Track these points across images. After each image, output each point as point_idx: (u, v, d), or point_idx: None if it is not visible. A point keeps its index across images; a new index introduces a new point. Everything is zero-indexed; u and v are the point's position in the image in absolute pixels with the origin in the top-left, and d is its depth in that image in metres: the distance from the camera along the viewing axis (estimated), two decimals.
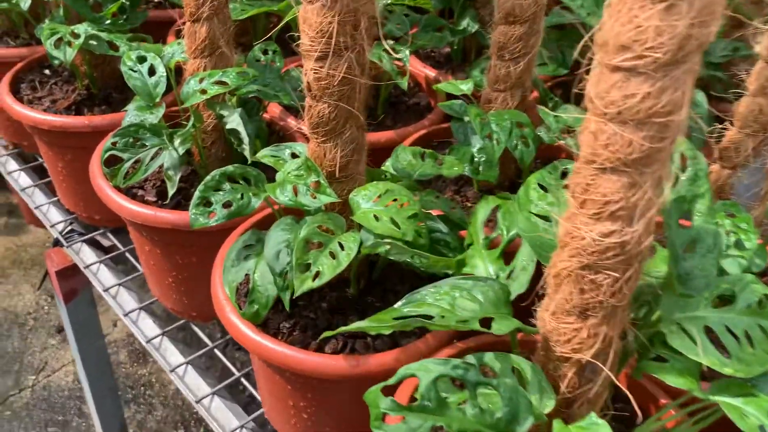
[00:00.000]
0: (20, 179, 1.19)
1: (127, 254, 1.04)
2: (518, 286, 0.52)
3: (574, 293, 0.42)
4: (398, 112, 1.04)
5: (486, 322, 0.46)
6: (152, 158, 0.76)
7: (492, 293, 0.48)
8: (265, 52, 0.86)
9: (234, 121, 0.75)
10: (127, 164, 0.77)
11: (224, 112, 0.76)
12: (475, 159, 0.78)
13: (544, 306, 0.46)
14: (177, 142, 0.74)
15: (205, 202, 0.63)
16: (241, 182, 0.65)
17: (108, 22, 0.91)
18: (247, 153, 0.75)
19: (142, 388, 1.83)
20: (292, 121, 0.92)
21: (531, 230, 0.52)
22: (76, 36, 0.87)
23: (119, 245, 1.05)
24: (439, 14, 1.18)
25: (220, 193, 0.64)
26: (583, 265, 0.41)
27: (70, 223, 1.08)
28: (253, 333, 0.62)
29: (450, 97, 0.92)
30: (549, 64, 0.94)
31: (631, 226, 0.38)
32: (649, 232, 0.39)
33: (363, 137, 0.62)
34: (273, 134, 0.93)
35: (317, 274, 0.55)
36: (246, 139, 0.74)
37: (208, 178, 0.64)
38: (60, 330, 1.96)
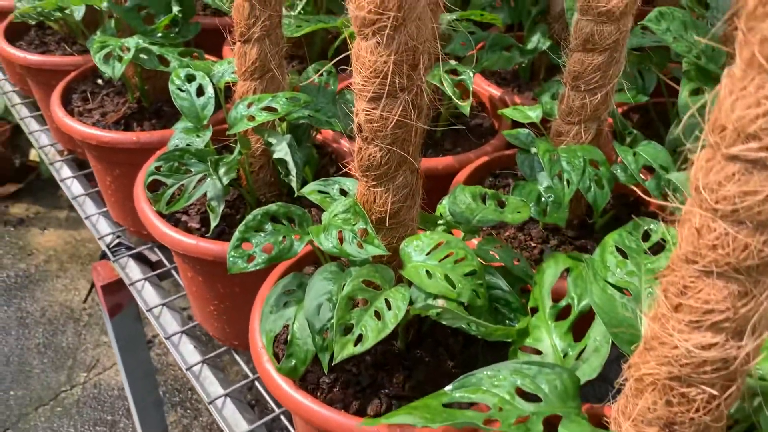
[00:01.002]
0: (73, 187, 1.18)
1: (173, 272, 1.01)
2: (589, 371, 0.45)
3: (660, 404, 0.36)
4: (458, 134, 0.97)
5: (551, 420, 0.40)
6: (196, 185, 0.72)
7: (559, 383, 0.42)
8: (319, 73, 0.81)
9: (282, 150, 0.70)
10: (171, 190, 0.73)
11: (272, 140, 0.72)
12: (543, 199, 0.71)
13: (621, 407, 0.39)
14: (222, 171, 0.70)
15: (245, 244, 0.59)
16: (284, 222, 0.60)
17: (160, 35, 0.87)
18: (294, 185, 0.70)
19: (189, 392, 1.82)
20: (345, 144, 0.87)
21: (607, 304, 0.46)
22: (126, 50, 0.84)
23: (165, 261, 1.03)
24: (507, 29, 1.11)
25: (261, 235, 0.59)
26: (672, 376, 0.34)
27: (118, 237, 1.06)
28: (291, 389, 0.57)
29: (516, 124, 0.85)
30: (627, 91, 0.86)
31: (739, 341, 0.31)
32: (761, 347, 0.32)
33: (417, 181, 0.56)
34: (325, 156, 0.88)
35: (360, 338, 0.50)
36: (293, 171, 0.70)
37: (250, 218, 0.59)
38: (84, 301, 1.97)
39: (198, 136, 0.75)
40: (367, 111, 0.50)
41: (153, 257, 1.06)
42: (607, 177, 0.70)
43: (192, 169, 0.73)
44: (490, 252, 0.60)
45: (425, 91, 0.50)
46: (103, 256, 1.08)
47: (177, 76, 0.79)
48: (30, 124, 1.34)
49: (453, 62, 0.89)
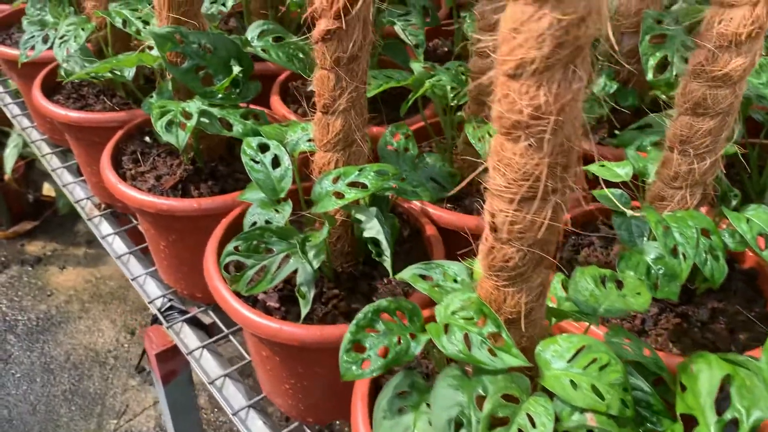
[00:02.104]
0: (115, 244, 1.13)
1: (231, 338, 0.96)
2: None
3: None
4: None
5: None
6: (280, 266, 0.68)
7: None
8: (395, 136, 0.76)
9: (373, 228, 0.66)
10: (252, 271, 0.68)
11: (361, 216, 0.67)
12: (652, 271, 0.67)
13: None
14: (311, 253, 0.65)
15: (357, 347, 0.54)
16: (395, 319, 0.56)
17: (220, 95, 0.83)
18: (388, 266, 0.66)
19: None
20: (416, 204, 0.83)
21: None
22: (188, 116, 0.79)
23: (221, 325, 0.98)
24: None
25: (373, 335, 0.54)
26: None
27: (170, 300, 1.01)
28: None
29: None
30: None
31: None
32: None
33: (550, 276, 0.52)
34: (396, 217, 0.83)
35: None
36: (387, 251, 0.65)
37: (360, 316, 0.54)
38: (140, 371, 1.92)
39: (277, 211, 0.70)
40: (509, 213, 0.45)
41: (207, 320, 1.01)
42: (721, 248, 0.65)
43: (274, 249, 0.68)
44: (622, 344, 0.55)
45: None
46: (155, 320, 1.03)
47: (249, 146, 0.74)
48: (63, 176, 1.29)
49: None
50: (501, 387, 0.49)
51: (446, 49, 1.26)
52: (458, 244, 0.83)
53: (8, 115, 1.48)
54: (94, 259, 2.30)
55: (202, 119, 0.80)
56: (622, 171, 0.76)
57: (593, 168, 0.79)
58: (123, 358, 1.96)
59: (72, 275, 2.24)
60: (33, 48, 0.99)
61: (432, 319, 0.55)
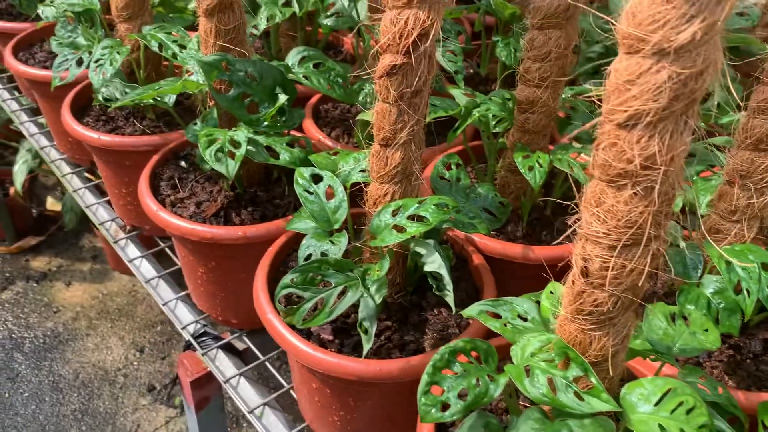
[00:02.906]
0: (142, 267, 1.12)
1: (268, 364, 0.95)
2: None
3: None
4: (567, 212, 0.93)
5: None
6: (338, 299, 0.67)
7: None
8: (447, 166, 0.76)
9: (435, 262, 0.65)
10: (309, 304, 0.67)
11: (421, 250, 0.67)
12: (712, 306, 0.67)
13: None
14: (373, 288, 0.64)
15: (435, 389, 0.53)
16: (471, 360, 0.55)
17: (265, 123, 0.82)
18: (450, 301, 0.65)
19: None
20: (459, 233, 0.83)
21: None
22: (236, 145, 0.78)
23: (257, 352, 0.97)
24: None
25: (451, 377, 0.54)
26: None
27: (204, 326, 1.00)
28: None
29: None
30: None
31: None
32: None
33: (636, 319, 0.51)
34: (442, 243, 0.83)
35: None
36: (449, 285, 0.65)
37: (437, 357, 0.54)
38: (150, 389, 1.90)
39: (332, 242, 0.70)
40: (606, 259, 0.45)
41: (241, 345, 1.00)
42: None
43: (331, 281, 0.67)
44: (696, 383, 0.55)
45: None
46: (188, 346, 1.02)
47: (302, 176, 0.74)
48: (85, 197, 1.27)
49: (577, 144, 0.85)
50: (588, 431, 0.48)
51: (472, 70, 1.26)
52: (502, 272, 0.83)
53: (25, 133, 1.47)
54: (100, 274, 2.28)
55: (249, 147, 0.79)
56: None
57: None
58: (133, 376, 1.94)
59: (78, 291, 2.21)
60: (67, 71, 0.98)
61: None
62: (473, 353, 0.55)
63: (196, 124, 0.85)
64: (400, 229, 0.65)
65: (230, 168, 0.76)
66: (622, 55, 0.39)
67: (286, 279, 0.68)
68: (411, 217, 0.66)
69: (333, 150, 0.82)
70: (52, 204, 2.53)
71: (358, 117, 0.84)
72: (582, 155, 0.80)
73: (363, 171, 0.74)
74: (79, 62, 0.98)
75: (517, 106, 0.82)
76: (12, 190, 2.32)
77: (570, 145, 0.83)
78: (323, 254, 0.69)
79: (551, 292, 0.63)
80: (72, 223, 2.25)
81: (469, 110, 0.80)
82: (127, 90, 0.95)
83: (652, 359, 0.57)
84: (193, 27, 1.12)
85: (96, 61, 0.95)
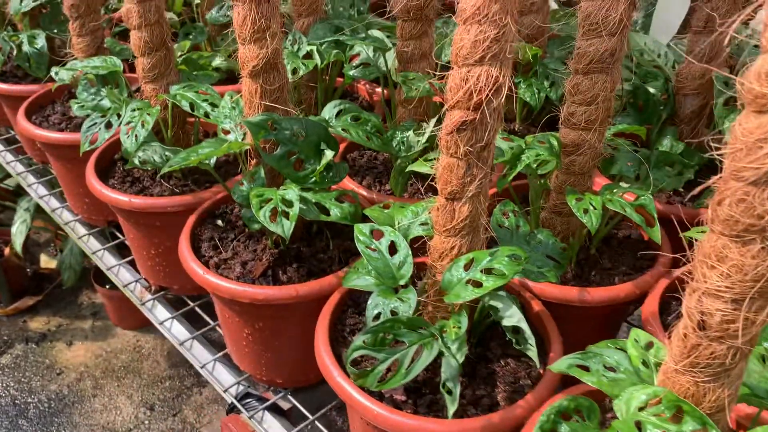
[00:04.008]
0: (174, 329, 1.09)
1: (318, 423, 0.93)
2: None
3: None
4: (610, 249, 0.93)
5: None
6: (413, 359, 0.65)
7: None
8: (505, 214, 0.76)
9: (514, 316, 0.64)
10: (383, 366, 0.66)
11: (497, 304, 0.66)
12: None
13: None
14: (454, 347, 0.63)
15: None
16: (575, 418, 0.54)
17: (312, 180, 0.81)
18: (534, 356, 0.64)
19: None
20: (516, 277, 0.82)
21: None
22: (289, 204, 0.77)
23: (304, 411, 0.94)
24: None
25: None
26: None
27: (248, 387, 0.97)
28: None
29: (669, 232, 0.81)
30: None
31: None
32: None
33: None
34: None
35: None
36: (531, 339, 0.64)
37: (543, 419, 0.53)
38: None
39: (401, 299, 0.69)
40: (726, 313, 0.45)
41: (285, 405, 0.97)
42: None
43: (404, 340, 0.66)
44: None
45: None
46: (231, 409, 0.99)
47: (361, 233, 0.73)
48: (105, 258, 1.25)
49: (624, 184, 0.85)
50: None
51: None
52: (557, 316, 0.82)
53: (33, 195, 1.44)
54: (102, 331, 2.22)
55: (300, 206, 0.78)
56: None
57: (693, 233, 0.79)
58: None
59: (81, 351, 2.15)
60: (96, 134, 0.96)
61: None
62: (577, 411, 0.54)
63: (242, 184, 0.83)
64: (475, 283, 0.64)
65: (286, 228, 0.75)
66: (750, 114, 0.39)
67: (358, 341, 0.66)
68: (486, 271, 0.65)
69: (384, 203, 0.81)
70: (46, 262, 2.48)
71: (410, 167, 0.84)
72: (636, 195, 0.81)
73: (423, 224, 0.74)
74: (108, 125, 0.96)
75: (562, 149, 0.83)
76: (6, 251, 2.27)
77: (617, 185, 0.84)
78: (393, 312, 0.68)
79: (636, 340, 0.62)
80: (70, 281, 2.20)
81: (517, 156, 0.81)
82: (167, 153, 0.94)
83: (748, 403, 0.57)
84: (218, 84, 1.11)
85: (127, 124, 0.94)
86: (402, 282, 0.71)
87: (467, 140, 0.62)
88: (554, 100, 1.07)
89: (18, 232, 1.94)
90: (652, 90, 0.98)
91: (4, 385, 2.03)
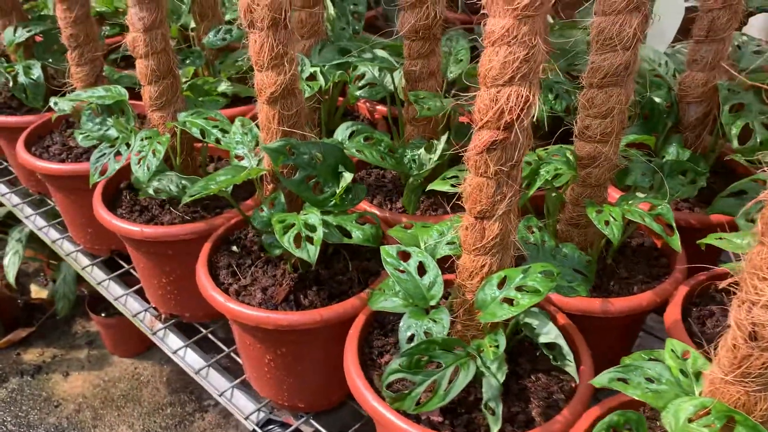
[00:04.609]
0: (188, 357, 1.08)
1: None
2: None
3: None
4: (625, 258, 0.94)
5: None
6: (451, 380, 0.65)
7: None
8: (530, 229, 0.76)
9: (550, 333, 0.65)
10: (420, 388, 0.66)
11: (532, 321, 0.66)
12: None
13: None
14: (494, 366, 0.63)
15: None
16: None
17: (332, 203, 0.81)
18: (573, 372, 0.65)
19: None
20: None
21: None
22: (312, 228, 0.77)
23: None
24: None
25: None
26: None
27: (269, 413, 0.97)
28: None
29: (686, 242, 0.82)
30: None
31: None
32: None
33: None
34: None
35: None
36: (570, 356, 0.64)
37: None
38: None
39: (434, 320, 0.69)
40: None
41: (307, 429, 0.97)
42: None
43: (441, 362, 0.66)
44: None
45: None
46: None
47: (389, 254, 0.73)
48: (111, 288, 1.23)
49: (640, 194, 0.86)
50: None
51: None
52: (580, 328, 0.82)
53: (31, 226, 1.42)
54: (99, 360, 2.19)
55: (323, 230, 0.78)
56: (742, 242, 0.77)
57: (711, 240, 0.80)
58: None
59: (78, 381, 2.12)
60: (106, 164, 0.96)
61: None
62: (626, 425, 0.55)
63: (262, 210, 0.83)
64: (510, 302, 0.65)
65: (311, 253, 0.75)
66: None
67: (394, 364, 0.66)
68: (519, 289, 0.66)
69: (405, 222, 0.81)
70: (36, 292, 2.44)
71: (430, 186, 0.84)
72: (653, 205, 0.82)
73: (450, 243, 0.74)
74: (118, 155, 0.96)
75: (578, 162, 0.84)
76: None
77: (634, 196, 0.85)
78: (426, 333, 0.68)
79: (672, 350, 0.63)
80: (64, 311, 2.17)
81: (536, 170, 0.81)
82: (184, 182, 0.93)
83: None
84: (224, 108, 1.11)
85: (137, 153, 0.93)
86: (433, 302, 0.71)
87: (497, 159, 0.63)
88: (558, 112, 1.08)
89: (11, 263, 1.90)
90: (657, 99, 0.99)
91: (1, 420, 1.98)
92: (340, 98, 1.23)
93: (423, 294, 0.71)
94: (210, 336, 1.12)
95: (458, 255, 0.71)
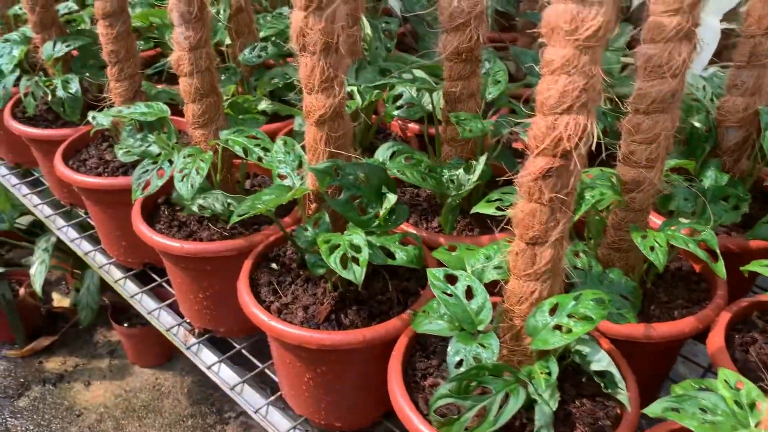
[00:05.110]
0: (223, 373, 1.09)
1: None
2: None
3: None
4: (664, 282, 0.94)
5: None
6: (501, 406, 0.65)
7: None
8: (576, 254, 0.76)
9: (602, 360, 0.65)
10: (470, 414, 0.66)
11: (584, 349, 0.66)
12: None
13: None
14: (546, 394, 0.63)
15: None
16: None
17: (376, 224, 0.82)
18: (625, 401, 0.64)
19: None
20: None
21: None
22: (357, 249, 0.78)
23: None
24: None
25: None
26: None
27: (306, 431, 0.97)
28: None
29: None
30: None
31: None
32: None
33: None
34: None
35: None
36: (622, 383, 0.64)
37: None
38: None
39: (482, 345, 0.69)
40: None
41: None
42: None
43: (491, 388, 0.66)
44: None
45: None
46: None
47: (436, 278, 0.73)
48: (144, 301, 1.24)
49: (683, 220, 0.86)
50: None
51: None
52: (621, 353, 0.82)
53: (63, 237, 1.43)
54: (120, 370, 2.20)
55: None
56: None
57: (756, 267, 0.80)
58: None
59: (99, 391, 2.12)
60: (149, 181, 0.97)
61: None
62: None
63: (306, 229, 0.84)
64: (562, 329, 0.65)
65: (357, 274, 0.75)
66: None
67: (443, 389, 0.67)
68: (573, 317, 0.66)
69: (448, 244, 0.81)
70: (58, 300, 2.45)
71: (475, 209, 0.84)
72: (697, 230, 0.82)
73: (497, 268, 0.74)
74: (161, 173, 0.97)
75: (621, 187, 0.84)
76: (21, 291, 2.25)
77: (677, 221, 0.85)
78: (475, 359, 0.68)
79: (726, 381, 0.62)
80: (87, 320, 2.18)
81: (580, 194, 0.81)
82: (229, 201, 0.94)
83: None
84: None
85: (180, 171, 0.94)
86: (481, 327, 0.71)
87: (552, 186, 0.63)
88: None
89: (37, 272, 1.92)
90: (696, 124, 0.99)
91: (24, 428, 1.99)
92: (374, 115, 1.24)
93: (471, 318, 0.71)
94: (243, 351, 1.12)
95: (506, 280, 0.72)
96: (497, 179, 0.93)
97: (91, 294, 2.16)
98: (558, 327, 0.65)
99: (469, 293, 0.72)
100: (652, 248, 0.78)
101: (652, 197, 0.84)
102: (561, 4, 0.57)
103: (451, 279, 0.74)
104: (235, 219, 0.81)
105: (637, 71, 0.79)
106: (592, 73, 0.59)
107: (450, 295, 0.72)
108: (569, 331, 0.64)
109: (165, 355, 2.19)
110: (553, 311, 0.66)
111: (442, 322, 0.73)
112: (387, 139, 1.32)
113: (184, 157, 0.95)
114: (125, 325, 2.12)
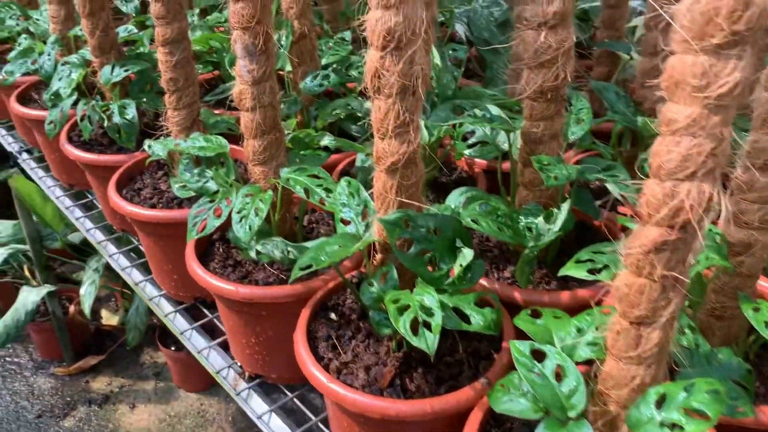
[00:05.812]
0: (273, 423, 1.02)
1: None
2: None
3: None
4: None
5: None
6: None
7: None
8: (681, 331, 0.67)
9: None
10: None
11: None
12: None
13: None
14: None
15: None
16: None
17: (449, 281, 0.74)
18: None
19: None
20: None
21: None
22: (428, 312, 0.70)
23: None
24: None
25: None
26: None
27: None
28: None
29: None
30: None
31: None
32: None
33: None
34: None
35: None
36: None
37: None
38: None
39: None
40: None
41: None
42: None
43: None
44: None
45: None
46: None
47: (521, 353, 0.65)
48: (194, 339, 1.19)
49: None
50: None
51: None
52: None
53: (114, 266, 1.40)
54: (165, 393, 2.16)
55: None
56: None
57: None
58: None
59: (144, 414, 2.09)
60: (205, 221, 0.91)
61: None
62: None
63: (372, 284, 0.76)
64: (673, 426, 0.56)
65: (430, 342, 0.68)
66: None
67: None
68: (679, 410, 0.56)
69: (531, 308, 0.73)
70: (107, 318, 2.45)
71: (563, 271, 0.76)
72: None
73: (592, 345, 0.65)
74: (218, 214, 0.91)
75: (729, 248, 0.74)
76: (71, 309, 2.24)
77: None
78: None
79: None
80: (135, 341, 2.16)
81: None
82: (290, 249, 0.87)
83: None
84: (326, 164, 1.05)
85: (239, 212, 0.88)
86: (572, 414, 0.62)
87: (666, 262, 0.55)
88: None
89: (87, 293, 1.90)
90: None
91: None
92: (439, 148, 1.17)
93: (561, 403, 0.62)
94: (296, 401, 1.05)
95: (601, 359, 0.63)
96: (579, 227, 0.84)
97: (140, 315, 2.14)
98: (666, 423, 0.56)
99: (559, 374, 0.64)
100: (767, 324, 0.69)
101: (764, 261, 0.74)
102: (690, 56, 0.49)
103: (538, 355, 0.65)
104: (297, 273, 0.74)
105: (752, 121, 0.70)
106: (722, 135, 0.50)
107: (538, 374, 0.64)
108: (681, 429, 0.55)
109: (210, 380, 2.14)
110: (660, 403, 0.57)
111: (525, 401, 0.65)
112: (452, 173, 1.24)
113: (243, 197, 0.89)
114: (172, 348, 2.08)
